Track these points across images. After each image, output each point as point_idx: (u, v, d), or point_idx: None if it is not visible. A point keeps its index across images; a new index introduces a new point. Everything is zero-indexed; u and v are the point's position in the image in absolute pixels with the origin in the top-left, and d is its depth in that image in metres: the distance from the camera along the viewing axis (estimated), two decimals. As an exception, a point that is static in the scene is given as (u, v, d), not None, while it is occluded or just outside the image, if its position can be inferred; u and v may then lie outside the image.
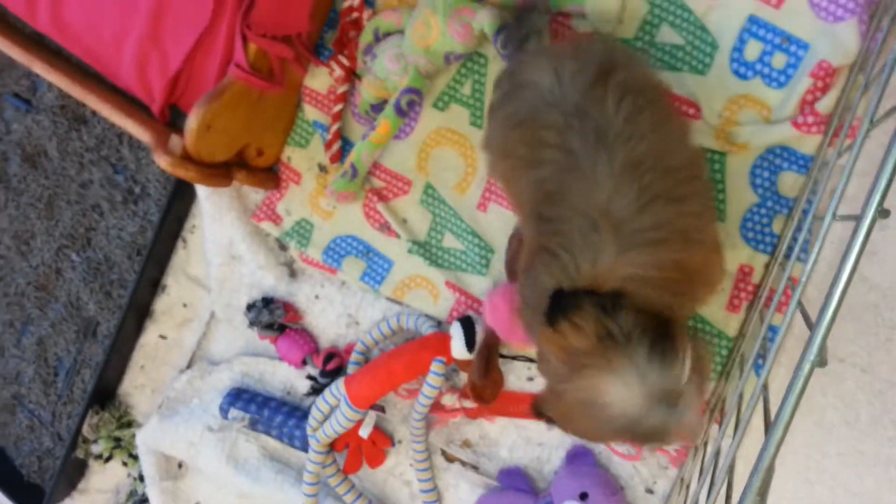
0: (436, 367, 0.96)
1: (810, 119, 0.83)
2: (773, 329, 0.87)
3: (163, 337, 1.23)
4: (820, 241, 0.64)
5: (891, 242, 0.82)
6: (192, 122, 0.90)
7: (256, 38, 0.91)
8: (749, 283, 0.89)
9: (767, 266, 0.88)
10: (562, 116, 0.66)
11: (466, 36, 0.89)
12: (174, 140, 0.95)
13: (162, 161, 0.93)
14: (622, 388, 0.59)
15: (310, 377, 1.10)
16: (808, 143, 0.84)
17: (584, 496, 0.91)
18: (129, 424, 1.25)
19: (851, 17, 0.78)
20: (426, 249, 1.03)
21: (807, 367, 0.48)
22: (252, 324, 1.10)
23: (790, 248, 0.84)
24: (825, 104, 0.82)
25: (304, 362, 1.09)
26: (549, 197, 0.67)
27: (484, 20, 0.88)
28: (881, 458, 0.83)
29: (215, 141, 0.95)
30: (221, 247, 1.12)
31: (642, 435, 0.61)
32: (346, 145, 1.05)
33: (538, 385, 1.00)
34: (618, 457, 0.95)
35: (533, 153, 0.69)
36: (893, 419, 0.85)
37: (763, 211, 0.86)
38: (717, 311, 0.90)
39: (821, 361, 0.48)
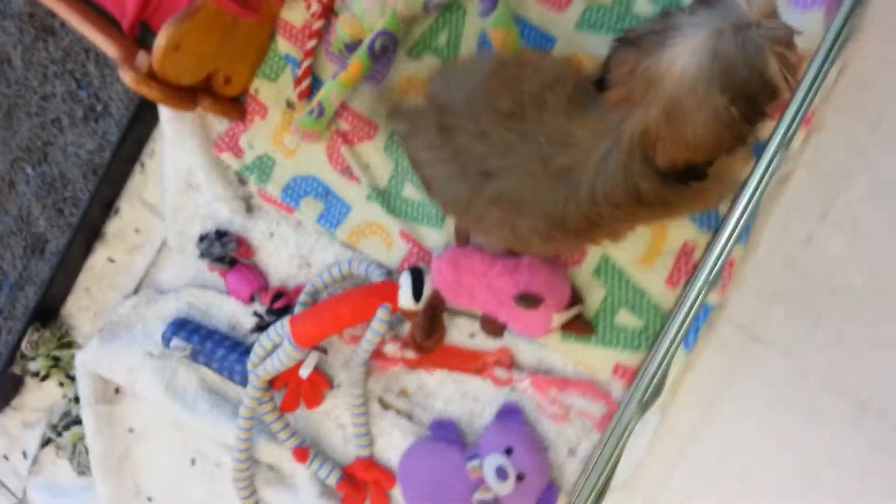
0: (381, 313, 0.97)
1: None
2: (705, 307, 0.91)
3: (111, 260, 1.22)
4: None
5: (827, 234, 0.85)
6: (161, 39, 0.89)
7: (235, -37, 0.90)
8: (690, 260, 0.92)
9: (709, 245, 0.91)
10: None
11: (447, -16, 0.90)
12: (141, 57, 0.93)
13: (127, 76, 0.92)
14: (677, 50, 0.64)
15: (256, 314, 1.10)
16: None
17: (509, 451, 0.93)
18: (70, 345, 1.24)
19: (820, 7, 0.81)
20: (385, 197, 1.03)
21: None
22: (203, 255, 1.09)
23: (732, 231, 0.87)
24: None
25: (252, 298, 1.09)
26: None
27: (466, -28, 0.88)
28: (792, 439, 0.86)
29: (183, 62, 0.94)
30: (179, 174, 1.11)
31: (735, 73, 0.63)
32: (317, 83, 1.05)
33: (480, 342, 1.02)
34: (546, 417, 0.97)
35: None
36: (809, 405, 0.88)
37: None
38: (657, 285, 0.93)
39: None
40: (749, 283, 0.91)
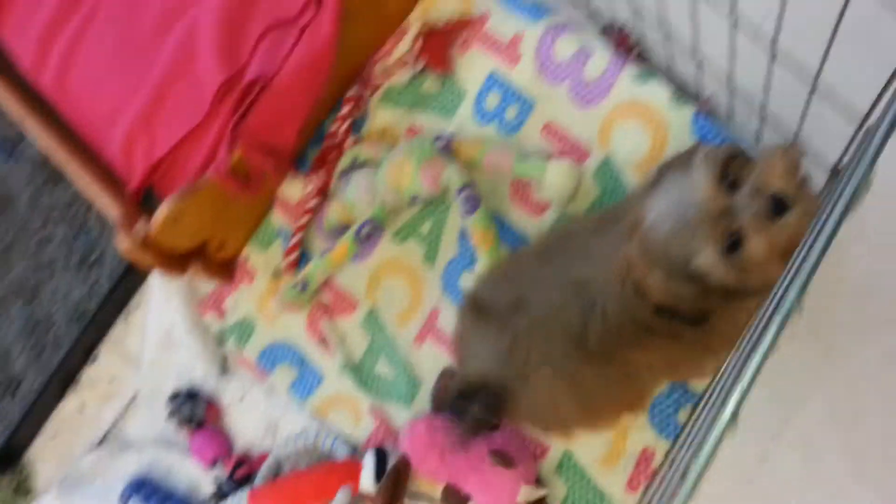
0: (341, 496, 0.96)
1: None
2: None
3: (82, 407, 1.21)
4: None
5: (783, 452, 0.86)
6: (162, 212, 0.94)
7: (244, 147, 0.97)
8: (649, 466, 0.92)
9: (667, 454, 0.91)
10: None
11: (434, 185, 0.96)
12: (140, 225, 0.98)
13: (123, 244, 0.96)
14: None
15: (216, 480, 1.08)
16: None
17: None
18: (27, 492, 1.21)
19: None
20: (358, 371, 1.05)
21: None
22: (171, 415, 1.09)
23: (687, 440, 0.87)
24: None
25: (214, 463, 1.08)
26: None
27: (451, 175, 0.95)
28: None
29: (181, 233, 0.98)
30: (162, 329, 1.13)
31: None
32: (305, 256, 1.09)
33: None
34: None
35: None
36: None
37: (671, 399, 0.90)
38: (619, 489, 0.92)
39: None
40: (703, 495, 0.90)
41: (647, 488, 0.91)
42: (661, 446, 0.91)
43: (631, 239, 0.68)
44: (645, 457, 0.91)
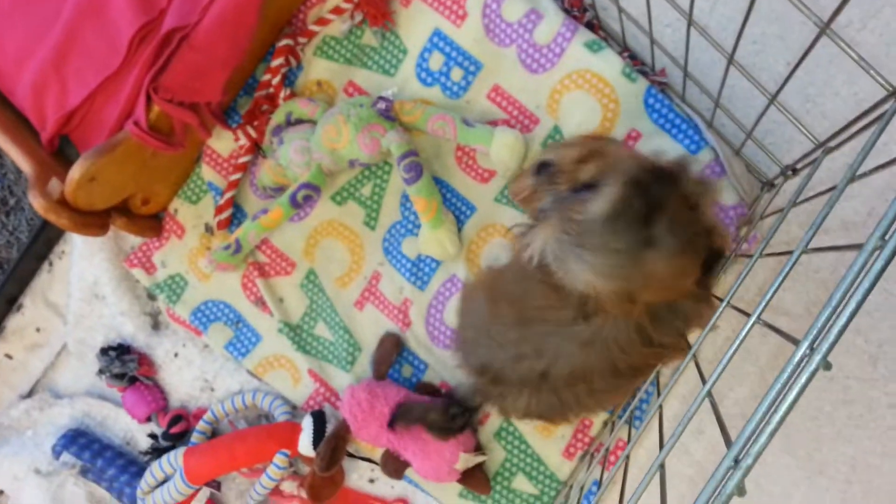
0: (279, 459, 0.96)
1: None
2: (596, 483, 0.93)
3: (8, 356, 1.17)
4: (651, 414, 0.69)
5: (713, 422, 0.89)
6: (75, 172, 0.87)
7: (161, 102, 0.89)
8: (587, 434, 0.94)
9: (605, 424, 0.93)
10: None
11: (373, 150, 0.91)
12: (53, 183, 0.91)
13: (35, 202, 0.89)
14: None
15: (152, 435, 1.07)
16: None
17: None
18: (-47, 439, 1.18)
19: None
20: (296, 333, 1.03)
21: None
22: (101, 371, 1.06)
23: (624, 412, 0.90)
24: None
25: (149, 419, 1.07)
26: None
27: (392, 140, 0.89)
28: None
29: (98, 192, 0.91)
30: (86, 284, 1.08)
31: None
32: (238, 213, 1.04)
33: (379, 487, 1.02)
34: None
35: None
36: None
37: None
38: (555, 455, 0.95)
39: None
40: (636, 464, 0.94)
41: (583, 455, 0.94)
42: (598, 416, 0.93)
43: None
44: (583, 425, 0.94)
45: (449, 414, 0.88)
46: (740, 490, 0.35)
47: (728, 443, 0.39)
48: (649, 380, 0.88)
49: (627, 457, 0.61)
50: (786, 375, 0.36)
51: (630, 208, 0.56)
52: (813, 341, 0.36)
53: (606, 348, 0.70)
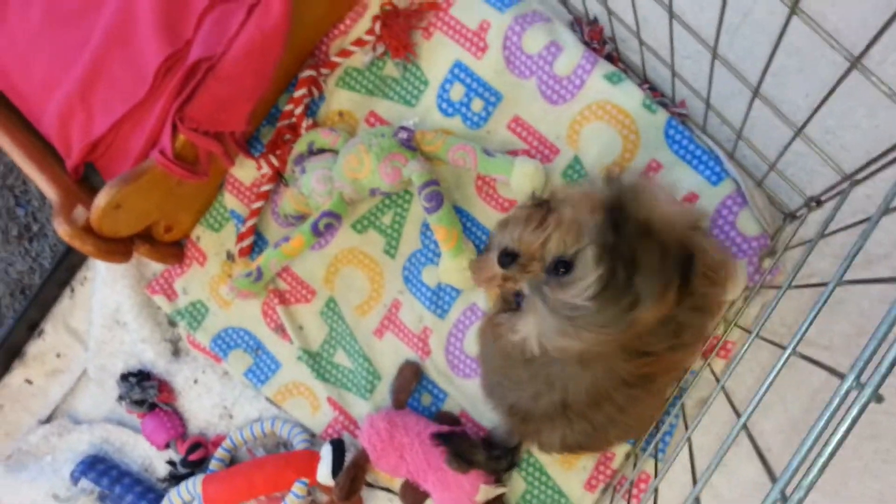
0: (298, 488, 0.96)
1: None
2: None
3: (29, 381, 1.18)
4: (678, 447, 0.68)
5: (741, 459, 0.88)
6: (100, 200, 0.88)
7: (187, 132, 0.90)
8: (609, 467, 0.93)
9: (627, 456, 0.93)
10: None
11: (395, 179, 0.91)
12: (78, 211, 0.92)
13: (61, 229, 0.90)
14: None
15: (170, 462, 1.07)
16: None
17: None
18: (-28, 465, 1.18)
19: (743, 257, 0.85)
20: (316, 361, 1.03)
21: None
22: (122, 397, 1.07)
23: (647, 443, 0.89)
24: (706, 324, 0.88)
25: (168, 445, 1.07)
26: None
27: (413, 170, 0.90)
28: None
29: (123, 219, 0.93)
30: (107, 310, 1.09)
31: None
32: (259, 241, 1.05)
33: (396, 517, 1.01)
34: None
35: None
36: None
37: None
38: (577, 488, 0.94)
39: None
40: (662, 499, 0.93)
41: (605, 487, 0.93)
42: (620, 448, 0.92)
43: None
44: (605, 458, 0.93)
45: (492, 455, 0.89)
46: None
47: (772, 477, 0.38)
48: (673, 412, 0.87)
49: (656, 490, 0.60)
50: (833, 407, 0.36)
51: (612, 283, 0.58)
52: (859, 374, 0.35)
53: (605, 361, 0.70)
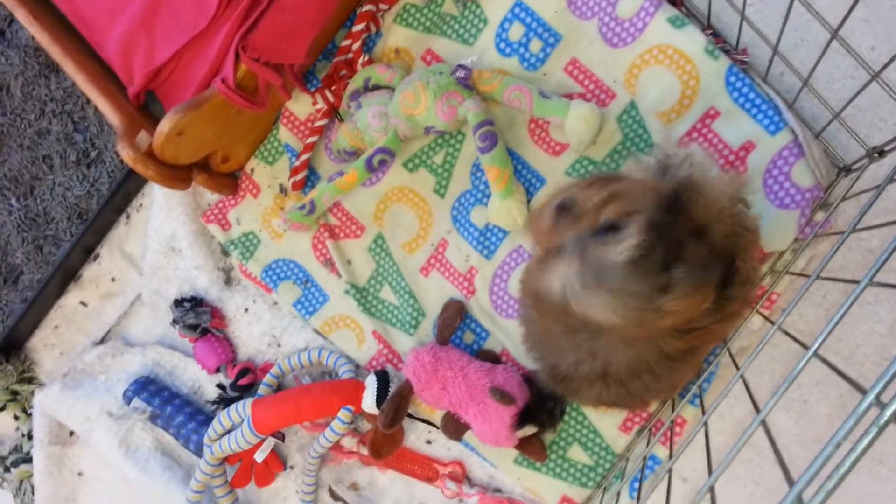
0: (343, 414, 1.00)
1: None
2: (653, 458, 0.94)
3: (84, 304, 1.22)
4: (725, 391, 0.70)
5: (776, 410, 0.89)
6: (164, 126, 0.90)
7: (249, 61, 0.91)
8: (645, 410, 0.95)
9: (664, 400, 0.94)
10: None
11: (450, 117, 0.92)
12: (142, 136, 0.95)
13: (125, 154, 0.93)
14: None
15: (220, 386, 1.11)
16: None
17: None
18: (30, 380, 1.24)
19: (795, 208, 0.85)
20: (363, 295, 1.06)
21: None
22: (175, 321, 1.10)
23: (686, 390, 0.91)
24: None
25: (218, 370, 1.11)
26: None
27: (469, 109, 0.91)
28: None
29: (184, 146, 0.95)
30: (163, 236, 1.12)
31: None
32: (312, 175, 1.07)
33: (436, 448, 1.05)
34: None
35: None
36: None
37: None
38: (611, 428, 0.96)
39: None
40: (697, 441, 0.95)
41: (640, 429, 0.95)
42: (655, 393, 0.94)
43: None
44: (639, 401, 0.95)
45: (546, 408, 0.92)
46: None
47: (790, 481, 0.40)
48: (714, 360, 0.89)
49: (706, 424, 0.62)
50: (850, 424, 0.37)
51: (650, 256, 0.59)
52: (880, 393, 0.36)
53: (650, 341, 0.72)
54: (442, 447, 1.05)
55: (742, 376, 0.63)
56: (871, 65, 0.72)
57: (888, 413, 0.36)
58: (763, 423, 0.47)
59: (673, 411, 0.91)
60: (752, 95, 0.85)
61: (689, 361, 0.79)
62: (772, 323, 0.67)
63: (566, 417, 0.98)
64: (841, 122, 0.79)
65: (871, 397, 0.38)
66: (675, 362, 0.76)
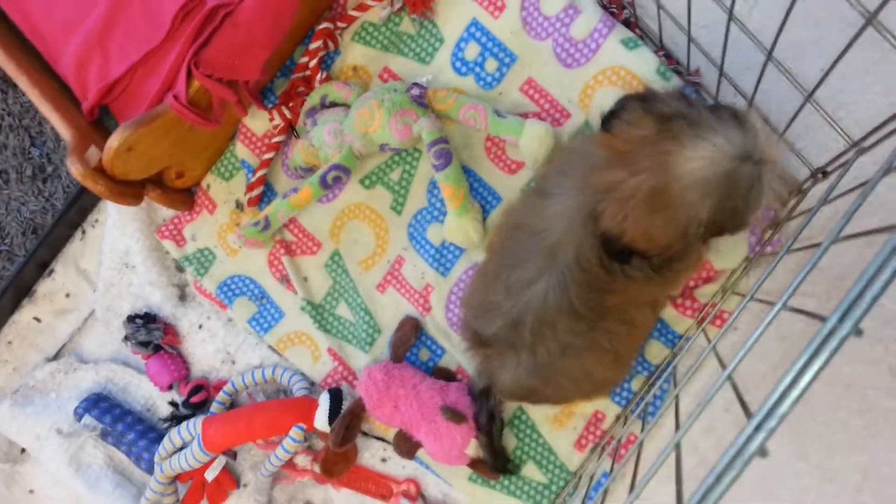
0: (295, 432, 0.98)
1: (688, 303, 0.90)
2: (606, 474, 0.94)
3: (37, 319, 1.20)
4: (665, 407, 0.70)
5: (726, 423, 0.90)
6: (113, 141, 0.89)
7: (202, 77, 0.91)
8: (599, 427, 0.95)
9: (618, 417, 0.94)
10: None
11: (405, 135, 0.92)
12: (92, 151, 0.93)
13: (73, 169, 0.92)
14: (706, 150, 0.59)
15: (172, 403, 1.10)
16: (681, 324, 0.91)
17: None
18: (-21, 397, 1.21)
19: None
20: (318, 312, 1.05)
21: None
22: (127, 338, 1.09)
23: (637, 407, 0.91)
24: (704, 292, 0.89)
25: (171, 387, 1.09)
26: None
27: (424, 126, 0.91)
28: None
29: (134, 162, 0.94)
30: (117, 253, 1.11)
31: (729, 198, 0.60)
32: (268, 192, 1.06)
33: (390, 466, 1.04)
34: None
35: None
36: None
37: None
38: (566, 446, 0.96)
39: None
40: (646, 459, 0.94)
41: (594, 448, 0.95)
42: (611, 410, 0.94)
43: (631, 172, 0.64)
44: (596, 419, 0.95)
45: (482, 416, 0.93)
46: (762, 451, 0.35)
47: (748, 413, 0.40)
48: (664, 376, 0.89)
49: (641, 443, 0.62)
50: (814, 346, 0.36)
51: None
52: (843, 315, 0.36)
53: (562, 272, 0.72)
54: (397, 465, 1.04)
55: (677, 396, 0.63)
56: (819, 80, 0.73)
57: (849, 323, 0.35)
58: (677, 445, 0.47)
59: (623, 426, 0.91)
60: (701, 117, 0.86)
61: (592, 334, 0.78)
62: (709, 341, 0.67)
63: (521, 435, 0.98)
64: (786, 142, 0.80)
65: (834, 319, 0.36)
66: (578, 324, 0.75)
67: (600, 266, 0.71)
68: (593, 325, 0.77)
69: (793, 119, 0.73)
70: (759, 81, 0.74)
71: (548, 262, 0.74)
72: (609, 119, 0.67)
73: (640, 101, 0.66)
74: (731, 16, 0.66)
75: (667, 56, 0.90)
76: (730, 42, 0.72)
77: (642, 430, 0.87)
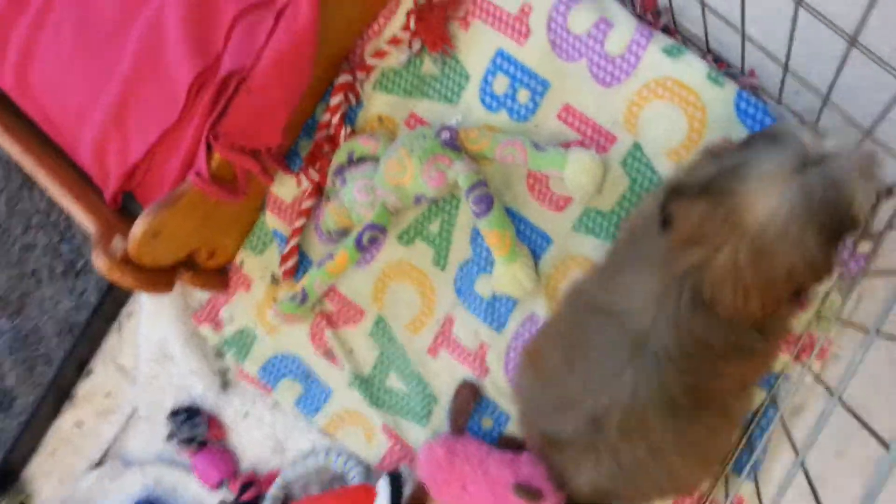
0: (355, 524, 0.89)
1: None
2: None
3: (79, 424, 1.15)
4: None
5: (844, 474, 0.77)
6: (137, 228, 0.84)
7: (222, 150, 0.86)
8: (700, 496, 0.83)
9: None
10: None
11: (440, 182, 0.85)
12: (117, 241, 0.89)
13: (99, 262, 0.87)
14: (762, 183, 0.57)
15: (223, 503, 1.01)
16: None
17: None
18: (28, 513, 1.15)
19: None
20: (368, 386, 0.96)
21: None
22: (171, 437, 1.02)
23: (740, 464, 0.79)
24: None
25: (220, 484, 1.01)
26: None
27: (459, 171, 0.84)
28: None
29: (162, 247, 0.89)
30: (154, 343, 1.05)
31: (824, 209, 0.57)
32: (304, 261, 1.00)
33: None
34: None
35: None
36: None
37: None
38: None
39: None
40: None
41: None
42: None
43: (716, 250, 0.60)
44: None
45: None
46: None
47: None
48: (763, 423, 0.77)
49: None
50: None
51: None
52: None
53: (656, 360, 0.64)
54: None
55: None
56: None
57: None
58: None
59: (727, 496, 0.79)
60: (767, 121, 0.77)
61: (699, 428, 0.69)
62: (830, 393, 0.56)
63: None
64: (874, 140, 0.70)
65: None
66: (679, 422, 0.67)
67: (707, 347, 0.64)
68: (692, 419, 0.68)
69: (886, 110, 0.63)
70: (837, 74, 0.64)
71: (633, 349, 0.65)
72: (665, 225, 0.63)
73: (672, 195, 0.62)
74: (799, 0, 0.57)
75: (716, 60, 0.82)
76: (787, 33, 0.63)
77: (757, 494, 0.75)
